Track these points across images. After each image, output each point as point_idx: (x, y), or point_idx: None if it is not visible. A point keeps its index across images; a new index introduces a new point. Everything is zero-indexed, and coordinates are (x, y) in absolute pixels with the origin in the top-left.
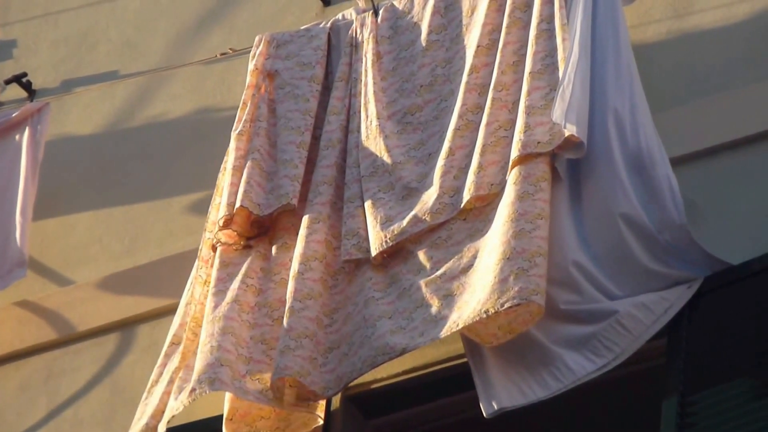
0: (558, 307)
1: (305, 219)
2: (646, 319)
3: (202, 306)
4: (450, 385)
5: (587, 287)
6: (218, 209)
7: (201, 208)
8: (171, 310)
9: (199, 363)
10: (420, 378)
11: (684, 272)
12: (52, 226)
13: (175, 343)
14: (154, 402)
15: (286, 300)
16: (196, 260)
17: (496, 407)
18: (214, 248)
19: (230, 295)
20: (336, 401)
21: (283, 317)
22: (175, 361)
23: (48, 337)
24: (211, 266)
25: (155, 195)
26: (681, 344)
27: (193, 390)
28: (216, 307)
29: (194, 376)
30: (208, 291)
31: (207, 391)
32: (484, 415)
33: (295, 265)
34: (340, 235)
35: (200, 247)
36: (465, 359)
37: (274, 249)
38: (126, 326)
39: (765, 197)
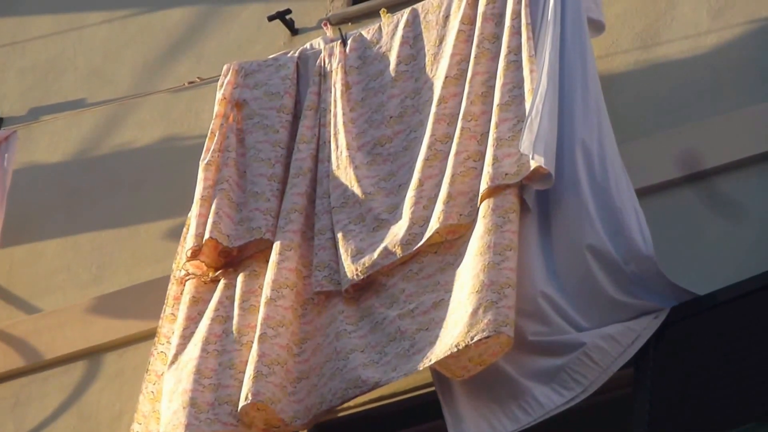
0: (526, 338)
1: (277, 245)
2: (613, 350)
3: (170, 345)
4: (418, 413)
5: (555, 318)
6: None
7: (169, 236)
8: (138, 338)
9: (166, 413)
10: (388, 406)
11: (650, 302)
12: (19, 254)
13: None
14: None
15: (255, 326)
16: (166, 298)
17: None
18: (182, 284)
19: (197, 336)
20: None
21: (251, 342)
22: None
23: (15, 365)
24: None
25: (123, 223)
26: (647, 373)
27: None
28: (184, 351)
29: (162, 428)
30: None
31: None
32: None
33: (267, 291)
34: (310, 264)
35: (170, 285)
36: (433, 388)
37: (242, 276)
38: (93, 354)
39: (730, 228)
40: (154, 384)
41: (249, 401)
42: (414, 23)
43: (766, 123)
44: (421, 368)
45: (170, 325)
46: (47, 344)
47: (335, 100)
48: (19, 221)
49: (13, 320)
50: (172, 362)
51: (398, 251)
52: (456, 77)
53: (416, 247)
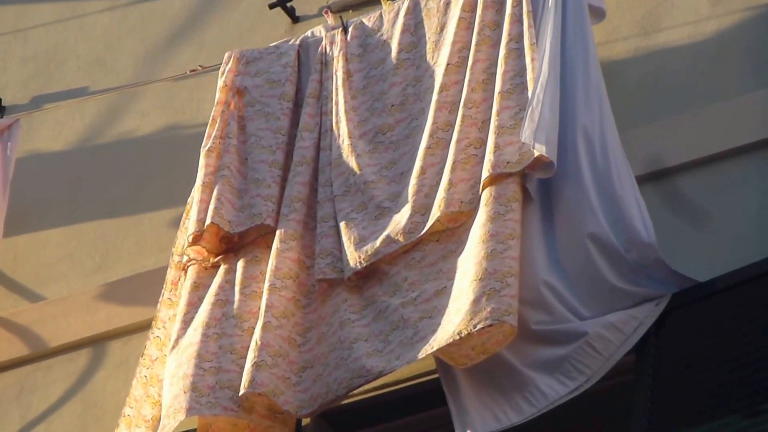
0: (529, 327)
1: (280, 233)
2: (615, 339)
3: (166, 330)
4: (421, 400)
5: (558, 307)
6: (187, 231)
7: (172, 225)
8: (142, 326)
9: (167, 397)
10: (391, 394)
11: (651, 290)
12: (23, 243)
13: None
14: None
15: (256, 311)
16: (165, 283)
17: None
18: (184, 269)
19: (198, 320)
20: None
21: (252, 328)
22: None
23: (20, 353)
24: (181, 287)
25: (126, 211)
26: (648, 360)
27: (162, 428)
28: (185, 335)
29: (163, 411)
30: (175, 314)
31: (174, 424)
32: None
33: (270, 278)
34: (312, 254)
35: (168, 269)
36: (436, 375)
37: (242, 262)
38: (97, 342)
39: (731, 215)
40: (147, 368)
41: (252, 390)
42: (415, 10)
43: (766, 109)
44: (423, 356)
45: (167, 309)
46: (51, 332)
47: (337, 89)
48: (23, 210)
49: (17, 308)
50: (173, 347)
51: (401, 239)
52: (457, 65)
53: (419, 235)
